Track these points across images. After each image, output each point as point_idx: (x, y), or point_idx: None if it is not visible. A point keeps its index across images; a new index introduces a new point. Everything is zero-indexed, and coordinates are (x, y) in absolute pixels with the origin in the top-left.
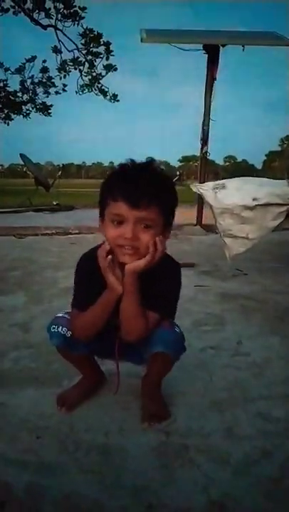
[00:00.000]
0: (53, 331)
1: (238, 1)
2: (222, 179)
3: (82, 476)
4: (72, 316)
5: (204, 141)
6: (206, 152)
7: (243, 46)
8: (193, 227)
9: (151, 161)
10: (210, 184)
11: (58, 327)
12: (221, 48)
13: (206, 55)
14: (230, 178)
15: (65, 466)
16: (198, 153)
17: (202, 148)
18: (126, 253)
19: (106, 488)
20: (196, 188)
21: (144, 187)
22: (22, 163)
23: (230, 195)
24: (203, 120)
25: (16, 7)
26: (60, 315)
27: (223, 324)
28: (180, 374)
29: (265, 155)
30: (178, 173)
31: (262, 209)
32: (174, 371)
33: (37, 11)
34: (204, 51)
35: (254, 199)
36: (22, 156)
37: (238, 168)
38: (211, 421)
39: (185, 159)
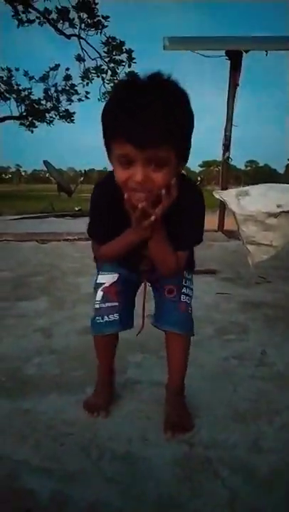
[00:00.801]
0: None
1: (238, 1)
2: (243, 184)
3: (105, 485)
4: (93, 245)
5: (226, 146)
6: (228, 158)
7: (266, 52)
8: (215, 233)
9: (157, 75)
10: (233, 191)
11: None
12: (244, 53)
13: (229, 61)
14: (252, 182)
15: (89, 474)
16: (219, 158)
17: (224, 154)
18: (139, 197)
19: (130, 498)
20: (219, 195)
21: (152, 121)
22: (45, 169)
23: (253, 202)
24: (226, 126)
25: (41, 18)
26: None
27: (246, 333)
28: (203, 384)
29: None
30: (199, 178)
31: (286, 216)
32: (197, 381)
33: (61, 21)
34: (227, 57)
35: (278, 206)
36: (45, 162)
37: (260, 173)
38: (235, 433)
39: (206, 164)
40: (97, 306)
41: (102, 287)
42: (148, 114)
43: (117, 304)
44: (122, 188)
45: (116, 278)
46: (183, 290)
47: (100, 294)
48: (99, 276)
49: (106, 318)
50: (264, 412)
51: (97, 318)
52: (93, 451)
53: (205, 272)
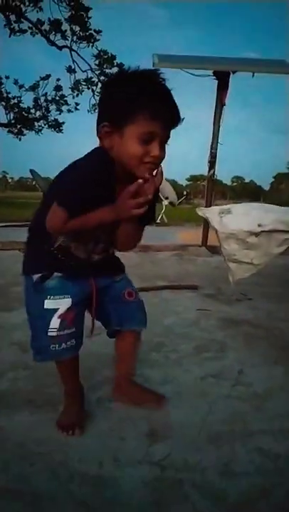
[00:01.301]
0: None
1: (239, 1)
2: (229, 199)
3: (74, 508)
4: (57, 215)
5: (212, 163)
6: (213, 175)
7: (252, 73)
8: (199, 248)
9: (158, 72)
10: (215, 209)
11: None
12: (231, 73)
13: (216, 81)
14: (238, 198)
15: (58, 497)
16: (205, 173)
17: (209, 171)
18: (150, 169)
19: None
20: (202, 212)
21: (175, 105)
22: (31, 176)
23: (235, 220)
24: (212, 143)
25: (34, 28)
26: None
27: (224, 351)
28: (179, 403)
29: (273, 177)
30: (185, 192)
31: (267, 235)
32: (173, 400)
33: (53, 33)
34: (214, 77)
35: (259, 225)
36: (32, 171)
37: (245, 189)
38: (208, 455)
39: (193, 178)
40: (53, 334)
41: (57, 314)
42: (172, 99)
43: (74, 330)
44: (130, 164)
45: (70, 303)
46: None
47: (56, 321)
48: (48, 301)
49: (63, 346)
50: (238, 433)
51: (52, 346)
52: (63, 474)
53: (187, 287)
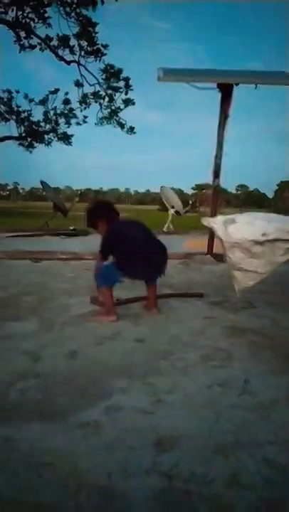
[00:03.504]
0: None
1: (238, 2)
2: (234, 207)
3: None
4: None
5: (216, 173)
6: (218, 184)
7: (255, 85)
8: (204, 256)
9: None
10: (220, 218)
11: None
12: (235, 85)
13: (220, 93)
14: (243, 206)
15: (66, 508)
16: (210, 182)
17: (214, 181)
18: None
19: None
20: (207, 221)
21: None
22: (42, 187)
23: (240, 229)
24: (216, 154)
25: (43, 44)
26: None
27: (230, 360)
28: (186, 413)
29: (277, 185)
30: (190, 201)
31: (271, 244)
32: (180, 409)
33: (62, 48)
34: (218, 89)
35: (263, 234)
36: (42, 183)
37: (250, 197)
38: (215, 466)
39: (198, 187)
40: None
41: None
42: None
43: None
44: None
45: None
46: None
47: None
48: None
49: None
50: (245, 444)
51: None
52: (72, 484)
53: (193, 295)
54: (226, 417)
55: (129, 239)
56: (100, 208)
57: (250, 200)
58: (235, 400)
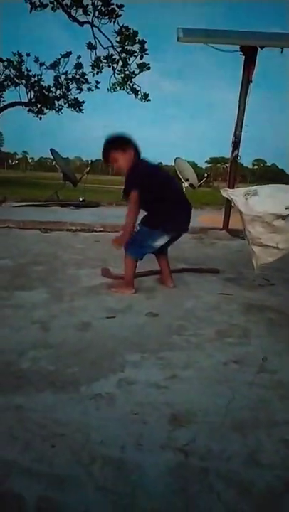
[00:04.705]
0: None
1: (239, 2)
2: (250, 183)
3: (96, 492)
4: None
5: (236, 144)
6: (237, 156)
7: (281, 48)
8: (219, 231)
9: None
10: (241, 190)
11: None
12: (259, 49)
13: (243, 57)
14: (259, 181)
15: (79, 480)
16: (226, 155)
17: (233, 152)
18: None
19: (121, 509)
20: (227, 193)
21: (103, 152)
22: (51, 157)
23: (261, 202)
24: (236, 124)
25: (55, 3)
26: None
27: (247, 337)
28: (202, 388)
29: None
30: (205, 174)
31: None
32: (195, 385)
33: (75, 8)
34: (241, 53)
35: (287, 208)
36: (52, 151)
37: (267, 172)
38: (232, 444)
39: (213, 161)
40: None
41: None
42: (103, 150)
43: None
44: None
45: None
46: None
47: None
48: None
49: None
50: (263, 422)
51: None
52: (85, 456)
53: (208, 270)
54: (242, 395)
55: (162, 179)
56: (125, 138)
57: (267, 176)
58: (253, 377)
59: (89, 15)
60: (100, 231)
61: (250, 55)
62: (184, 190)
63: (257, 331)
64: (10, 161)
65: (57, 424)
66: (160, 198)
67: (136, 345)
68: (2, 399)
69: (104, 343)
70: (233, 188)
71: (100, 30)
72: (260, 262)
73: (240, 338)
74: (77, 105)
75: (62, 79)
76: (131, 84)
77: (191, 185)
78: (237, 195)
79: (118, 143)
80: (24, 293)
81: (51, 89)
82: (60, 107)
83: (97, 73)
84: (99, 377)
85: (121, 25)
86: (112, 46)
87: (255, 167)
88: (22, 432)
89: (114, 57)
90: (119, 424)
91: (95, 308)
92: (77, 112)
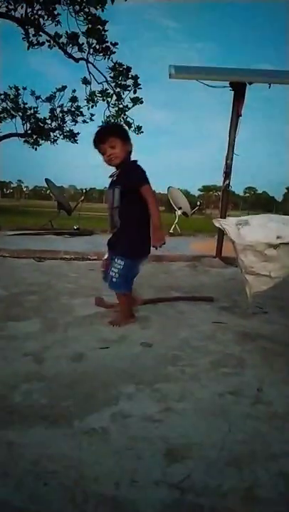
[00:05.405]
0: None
1: (239, 2)
2: (242, 210)
3: None
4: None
5: (227, 174)
6: (228, 185)
7: (269, 84)
8: (213, 258)
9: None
10: (233, 220)
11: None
12: (248, 84)
13: (232, 92)
14: (251, 209)
15: None
16: (218, 183)
17: (224, 182)
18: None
19: None
20: (219, 223)
21: (97, 137)
22: (46, 185)
23: (253, 232)
24: (227, 154)
25: (52, 41)
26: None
27: (242, 367)
28: (197, 422)
29: (286, 188)
30: (198, 202)
31: (286, 248)
32: (191, 417)
33: (71, 45)
34: (230, 88)
35: (278, 237)
36: (47, 180)
37: (258, 199)
38: (229, 479)
39: (205, 189)
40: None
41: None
42: (97, 136)
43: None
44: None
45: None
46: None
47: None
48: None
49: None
50: (260, 456)
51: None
52: (78, 494)
53: (202, 299)
54: (238, 427)
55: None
56: (127, 132)
57: (258, 203)
58: (249, 409)
59: (84, 52)
60: (94, 259)
61: (239, 90)
62: (177, 218)
63: (252, 361)
64: (5, 190)
65: (50, 461)
66: (143, 214)
67: (130, 377)
68: None
69: (98, 375)
70: (225, 216)
71: (94, 66)
72: (254, 291)
73: (235, 368)
74: (72, 136)
75: (58, 111)
76: (125, 117)
77: (184, 213)
78: (229, 224)
79: (121, 132)
80: (17, 323)
81: (47, 121)
82: (56, 138)
83: (92, 107)
84: (93, 411)
85: (115, 61)
86: (107, 81)
87: (247, 195)
88: (14, 469)
89: (108, 91)
90: (114, 460)
91: (89, 338)
92: (72, 142)
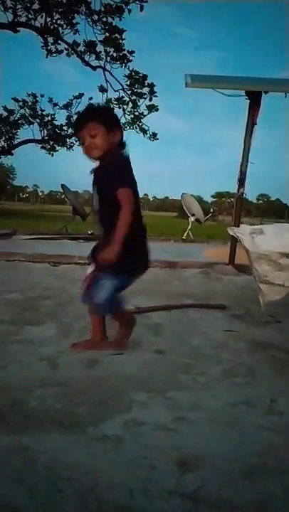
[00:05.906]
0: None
1: (239, 1)
2: (254, 217)
3: None
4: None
5: (241, 181)
6: (243, 193)
7: (285, 94)
8: (226, 266)
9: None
10: (247, 228)
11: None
12: (263, 93)
13: (248, 101)
14: (264, 216)
15: None
16: (231, 190)
17: (238, 189)
18: (86, 152)
19: None
20: (233, 231)
21: (80, 119)
22: (61, 190)
23: (267, 241)
24: (242, 162)
25: (70, 49)
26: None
27: (254, 377)
28: (210, 432)
29: None
30: (212, 209)
31: None
32: (203, 428)
33: (88, 54)
34: (246, 97)
35: None
36: (63, 186)
37: (271, 207)
38: (242, 491)
39: (218, 195)
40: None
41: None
42: (80, 117)
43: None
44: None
45: None
46: None
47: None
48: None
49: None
50: (273, 468)
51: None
52: (92, 502)
53: (214, 306)
54: (252, 439)
55: (137, 196)
56: (115, 116)
57: (271, 210)
58: (261, 420)
59: (101, 60)
60: None
61: (254, 99)
62: (190, 225)
63: (264, 371)
64: (21, 194)
65: (64, 467)
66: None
67: (143, 384)
68: (9, 439)
69: (111, 381)
70: (238, 224)
71: (111, 74)
72: (267, 299)
73: (247, 378)
74: None
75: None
76: (140, 124)
77: (197, 220)
78: (243, 233)
79: (105, 116)
80: (33, 328)
81: (64, 127)
82: (72, 144)
83: None
84: (106, 418)
85: (131, 69)
86: (123, 89)
87: (260, 202)
88: (28, 475)
89: (124, 99)
90: (127, 468)
91: None
92: None
